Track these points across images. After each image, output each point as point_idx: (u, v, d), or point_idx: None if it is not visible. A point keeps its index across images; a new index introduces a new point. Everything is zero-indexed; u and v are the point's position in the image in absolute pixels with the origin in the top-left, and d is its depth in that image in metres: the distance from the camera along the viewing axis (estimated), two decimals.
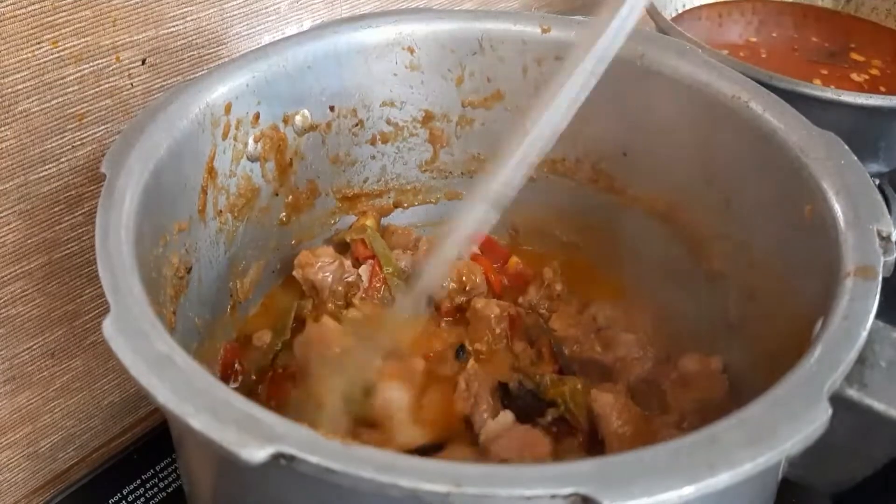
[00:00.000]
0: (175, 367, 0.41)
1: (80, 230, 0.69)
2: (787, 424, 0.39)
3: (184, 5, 0.67)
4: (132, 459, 0.77)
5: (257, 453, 0.37)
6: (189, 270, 0.61)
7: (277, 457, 0.37)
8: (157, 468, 0.77)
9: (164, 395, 0.39)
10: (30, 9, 0.59)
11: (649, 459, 0.37)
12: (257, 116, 0.66)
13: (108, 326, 0.42)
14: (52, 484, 0.77)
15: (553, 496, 0.35)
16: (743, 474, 0.37)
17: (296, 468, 0.37)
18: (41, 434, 0.74)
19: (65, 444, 0.77)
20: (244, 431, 0.37)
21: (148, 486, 0.75)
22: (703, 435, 0.38)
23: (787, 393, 0.41)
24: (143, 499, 0.75)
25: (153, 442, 0.78)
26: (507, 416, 0.60)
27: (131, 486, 0.75)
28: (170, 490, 0.76)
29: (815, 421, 0.39)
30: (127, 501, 0.74)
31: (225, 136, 0.63)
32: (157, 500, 0.75)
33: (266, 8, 0.74)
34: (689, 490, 0.36)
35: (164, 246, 0.56)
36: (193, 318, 0.62)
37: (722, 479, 0.36)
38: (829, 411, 0.39)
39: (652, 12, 0.92)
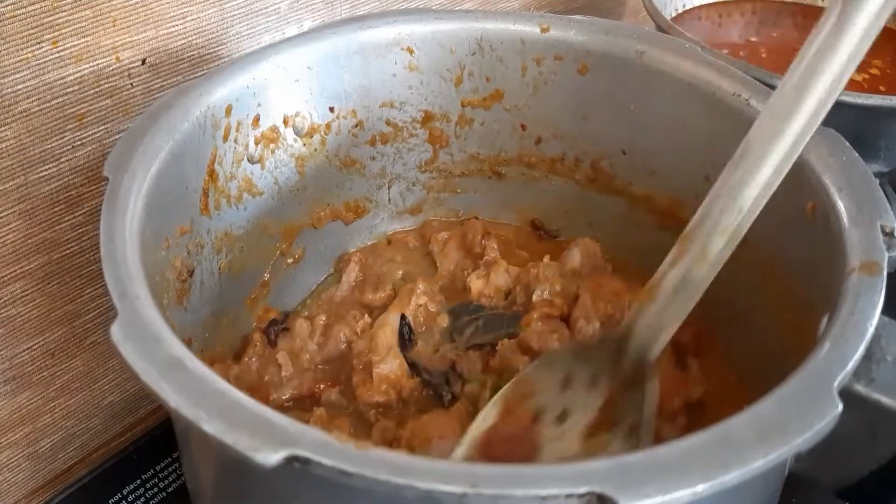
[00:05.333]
0: (186, 372, 0.41)
1: (80, 230, 0.69)
2: (797, 421, 0.39)
3: (184, 5, 0.67)
4: (132, 459, 0.77)
5: (271, 457, 0.36)
6: (191, 273, 0.61)
7: (291, 460, 0.37)
8: (157, 468, 0.76)
9: (176, 400, 0.39)
10: (30, 9, 0.59)
11: (663, 458, 0.37)
12: (257, 118, 0.66)
13: (117, 332, 0.42)
14: (52, 484, 0.77)
15: (568, 496, 0.35)
16: (755, 471, 0.37)
17: (310, 471, 0.37)
18: (41, 434, 0.74)
19: (65, 444, 0.77)
20: (257, 435, 0.37)
21: (148, 486, 0.75)
22: (715, 433, 0.39)
23: (796, 390, 0.41)
24: (143, 499, 0.74)
25: (153, 442, 0.78)
26: None
27: (131, 486, 0.75)
28: (170, 490, 0.75)
29: (826, 417, 0.39)
30: (127, 501, 0.74)
31: (226, 138, 0.64)
32: (157, 500, 0.75)
33: (266, 8, 0.74)
34: (702, 487, 0.36)
35: (166, 249, 0.56)
36: (196, 322, 0.62)
37: (734, 476, 0.37)
38: (840, 407, 0.40)
39: (652, 12, 0.92)
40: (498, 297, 0.72)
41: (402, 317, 0.69)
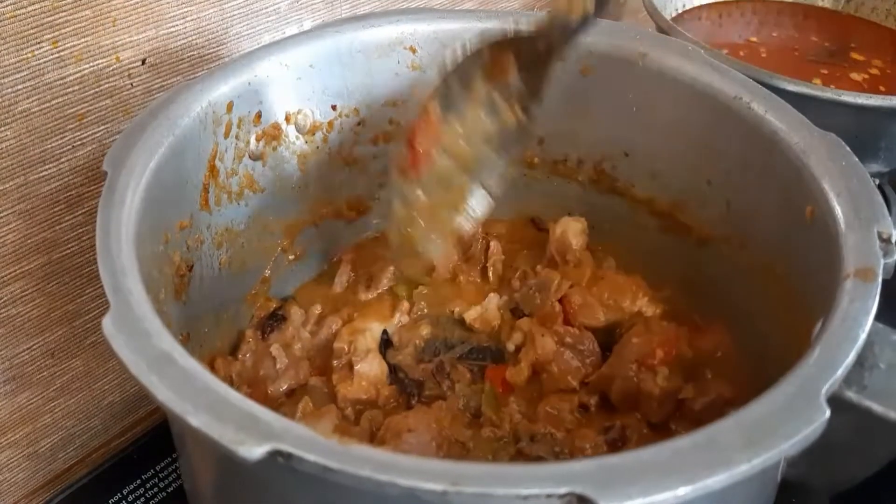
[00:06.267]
0: (175, 366, 0.41)
1: (80, 230, 0.69)
2: (784, 426, 0.39)
3: (184, 5, 0.67)
4: (132, 459, 0.77)
5: (254, 451, 0.37)
6: (190, 269, 0.61)
7: (274, 454, 0.37)
8: (157, 468, 0.77)
9: (164, 393, 0.40)
10: (30, 9, 0.59)
11: (647, 459, 0.37)
12: (259, 115, 0.66)
13: (109, 324, 0.43)
14: (52, 484, 0.77)
15: (549, 495, 0.35)
16: (740, 475, 0.37)
17: (293, 466, 0.37)
18: (41, 434, 0.74)
19: (65, 444, 0.77)
20: (242, 429, 0.38)
21: (148, 486, 0.75)
22: (701, 436, 0.38)
23: (785, 394, 0.41)
24: (143, 499, 0.75)
25: (153, 442, 0.78)
26: None
27: (131, 486, 0.75)
28: (170, 490, 0.76)
29: (813, 423, 0.39)
30: (127, 501, 0.74)
31: (227, 134, 0.64)
32: (157, 500, 0.75)
33: (266, 8, 0.74)
34: (685, 490, 0.36)
35: (165, 244, 0.56)
36: (195, 317, 0.62)
37: (719, 480, 0.36)
38: (827, 413, 0.39)
39: (652, 12, 0.92)
40: (488, 329, 0.72)
41: (384, 332, 0.69)
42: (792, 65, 0.94)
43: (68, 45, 0.62)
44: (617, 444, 0.61)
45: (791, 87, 0.76)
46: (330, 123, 0.71)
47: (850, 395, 0.45)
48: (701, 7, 1.08)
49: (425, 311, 0.73)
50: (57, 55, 0.62)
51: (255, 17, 0.73)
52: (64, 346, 0.72)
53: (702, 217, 0.68)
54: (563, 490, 0.35)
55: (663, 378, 0.63)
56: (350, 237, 0.78)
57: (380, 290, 0.73)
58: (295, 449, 0.37)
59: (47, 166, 0.65)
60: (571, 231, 0.73)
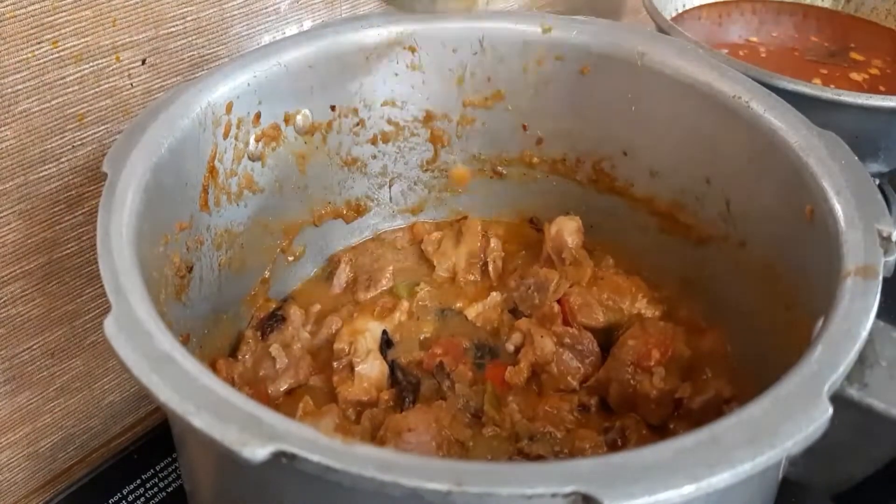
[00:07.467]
0: (176, 366, 0.41)
1: (80, 230, 0.69)
2: (787, 424, 0.39)
3: (184, 5, 0.67)
4: (132, 459, 0.77)
5: (258, 452, 0.37)
6: (190, 269, 0.61)
7: (278, 455, 0.37)
8: (157, 468, 0.77)
9: (166, 393, 0.40)
10: (30, 9, 0.59)
11: (650, 459, 0.37)
12: (258, 116, 0.66)
13: (110, 325, 0.43)
14: (52, 484, 0.77)
15: (554, 495, 0.35)
16: (743, 474, 0.37)
17: (297, 467, 0.37)
18: (41, 434, 0.74)
19: (65, 444, 0.77)
20: (245, 430, 0.38)
21: (148, 486, 0.75)
22: (704, 434, 0.38)
23: (787, 392, 0.41)
24: (143, 499, 0.75)
25: (153, 442, 0.78)
26: None
27: (131, 486, 0.75)
28: (170, 490, 0.76)
29: (816, 420, 0.39)
30: (127, 501, 0.74)
31: (226, 135, 0.64)
32: (157, 500, 0.75)
33: (266, 8, 0.74)
34: (689, 489, 0.36)
35: (165, 245, 0.56)
36: (195, 318, 0.62)
37: (722, 479, 0.36)
38: (830, 411, 0.39)
39: (652, 12, 0.92)
40: (489, 324, 0.73)
41: (384, 332, 0.70)
42: (792, 65, 0.94)
43: (68, 45, 0.62)
44: (617, 445, 0.61)
45: (791, 87, 0.76)
46: (329, 124, 0.71)
47: (852, 392, 0.46)
48: (701, 7, 1.08)
49: (428, 306, 0.74)
50: (57, 55, 0.61)
51: (255, 17, 0.73)
52: (64, 346, 0.72)
53: (701, 216, 0.68)
54: (567, 489, 0.35)
55: (660, 379, 0.63)
56: (350, 237, 0.78)
57: (380, 290, 0.74)
58: (299, 450, 0.37)
59: (47, 166, 0.64)
60: (567, 230, 0.73)
